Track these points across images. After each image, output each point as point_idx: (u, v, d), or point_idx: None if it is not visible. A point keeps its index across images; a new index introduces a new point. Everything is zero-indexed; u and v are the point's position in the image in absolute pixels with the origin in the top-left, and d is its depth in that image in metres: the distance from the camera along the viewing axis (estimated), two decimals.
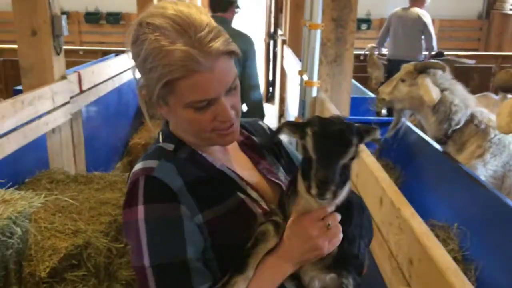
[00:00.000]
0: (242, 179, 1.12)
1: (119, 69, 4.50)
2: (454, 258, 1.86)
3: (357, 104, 3.81)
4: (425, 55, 6.19)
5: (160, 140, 1.13)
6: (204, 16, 1.01)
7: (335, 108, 2.84)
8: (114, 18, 9.53)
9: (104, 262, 2.30)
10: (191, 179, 1.04)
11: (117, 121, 4.64)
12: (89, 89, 3.70)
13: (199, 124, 1.03)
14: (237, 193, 1.09)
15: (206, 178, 1.07)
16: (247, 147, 1.23)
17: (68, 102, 3.28)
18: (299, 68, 3.57)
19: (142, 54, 0.99)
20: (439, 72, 2.71)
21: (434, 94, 2.61)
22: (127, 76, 4.73)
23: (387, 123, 3.31)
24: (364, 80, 6.38)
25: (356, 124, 0.97)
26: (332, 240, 0.99)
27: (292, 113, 4.70)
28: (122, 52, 5.16)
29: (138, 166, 1.06)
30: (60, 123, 3.18)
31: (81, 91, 3.54)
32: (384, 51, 7.03)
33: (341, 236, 0.99)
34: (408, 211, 1.45)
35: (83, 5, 9.51)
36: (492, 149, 2.55)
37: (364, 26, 9.47)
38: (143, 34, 1.00)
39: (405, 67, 2.88)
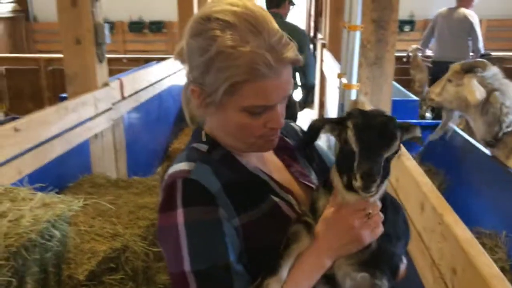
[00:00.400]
0: (276, 182, 1.10)
1: (160, 76, 4.58)
2: (502, 268, 1.75)
3: (399, 107, 3.70)
4: (472, 56, 5.95)
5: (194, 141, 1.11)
6: (271, 18, 0.99)
7: None
8: (157, 26, 9.76)
9: (142, 266, 2.32)
10: (226, 182, 1.02)
11: (157, 126, 4.72)
12: (130, 95, 3.78)
13: (250, 129, 1.01)
14: (271, 196, 1.06)
15: (240, 180, 1.05)
16: (280, 149, 1.20)
17: (110, 109, 3.36)
18: (339, 71, 3.51)
19: (212, 51, 0.95)
20: (489, 72, 2.58)
21: (478, 94, 2.49)
22: (168, 83, 4.81)
23: (431, 126, 3.19)
24: (407, 83, 6.21)
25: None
26: (374, 230, 0.96)
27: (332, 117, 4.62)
28: (164, 59, 5.25)
29: (173, 168, 1.03)
30: (103, 128, 3.26)
31: (123, 98, 3.62)
32: (429, 52, 6.82)
33: (382, 227, 0.96)
34: (451, 217, 1.37)
35: (127, 15, 9.81)
36: None
37: (407, 28, 9.26)
38: (212, 30, 0.96)
39: (453, 67, 2.79)
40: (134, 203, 2.60)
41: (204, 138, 1.09)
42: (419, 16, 9.28)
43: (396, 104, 3.42)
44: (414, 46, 7.07)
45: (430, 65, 6.49)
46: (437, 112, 6.19)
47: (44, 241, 1.61)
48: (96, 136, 3.20)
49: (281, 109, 1.02)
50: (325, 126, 0.97)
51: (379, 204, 0.97)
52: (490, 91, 2.55)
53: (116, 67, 5.79)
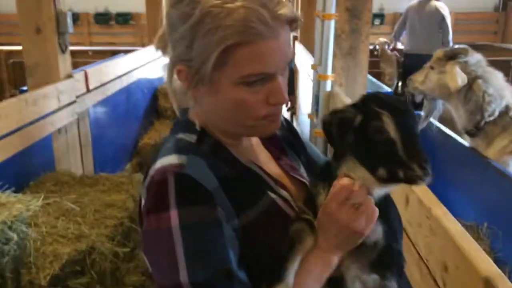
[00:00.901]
0: (270, 176, 0.99)
1: (128, 68, 4.41)
2: None
3: None
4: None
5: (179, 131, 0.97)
6: None
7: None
8: (124, 18, 9.49)
9: (110, 267, 2.18)
10: (222, 177, 0.89)
11: (126, 120, 4.54)
12: (96, 88, 3.60)
13: (249, 107, 0.88)
14: (268, 192, 0.95)
15: (236, 176, 0.92)
16: (268, 140, 1.08)
17: (74, 102, 3.18)
18: (312, 63, 3.43)
19: (197, 14, 0.83)
20: (472, 59, 2.53)
21: (460, 80, 2.43)
22: (137, 75, 4.64)
23: None
24: (377, 76, 6.21)
25: None
26: (368, 217, 0.87)
27: (305, 111, 4.55)
28: (132, 52, 5.06)
29: (161, 162, 0.88)
30: (66, 123, 3.08)
31: (88, 90, 3.44)
32: (400, 45, 6.85)
33: (376, 210, 0.88)
34: (440, 211, 1.30)
35: (92, 6, 9.48)
36: None
37: (377, 21, 9.30)
38: None
39: (436, 54, 2.73)
40: (101, 201, 2.45)
41: (197, 128, 0.96)
42: (389, 10, 9.34)
43: None
44: (382, 39, 7.10)
45: (400, 57, 6.52)
46: (412, 103, 6.21)
47: None
48: (59, 130, 3.02)
49: (283, 82, 0.90)
50: (357, 116, 0.86)
51: (363, 190, 0.87)
52: (473, 79, 2.49)
53: (81, 60, 5.56)
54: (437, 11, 5.86)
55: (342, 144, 0.87)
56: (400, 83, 6.67)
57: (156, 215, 0.84)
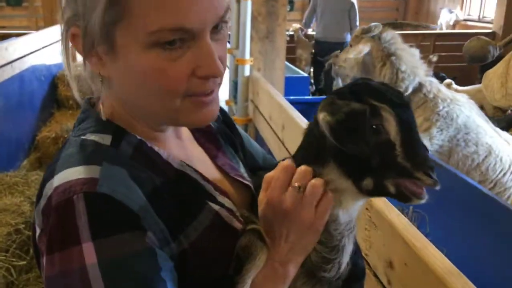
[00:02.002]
0: (209, 181, 0.78)
1: (20, 53, 3.94)
2: None
3: (291, 83, 3.59)
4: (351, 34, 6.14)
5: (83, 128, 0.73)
6: None
7: (272, 87, 2.56)
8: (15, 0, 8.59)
9: (4, 283, 1.87)
10: (151, 190, 0.67)
11: (19, 112, 4.05)
12: None
13: (167, 79, 0.65)
14: (209, 203, 0.75)
15: (168, 185, 0.71)
16: (201, 134, 0.88)
17: None
18: (228, 47, 3.26)
19: None
20: (386, 36, 2.60)
21: (358, 52, 2.50)
22: (31, 61, 4.16)
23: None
24: (291, 61, 6.21)
25: None
26: (319, 204, 0.70)
27: (222, 97, 4.38)
28: (25, 35, 4.53)
29: (62, 178, 0.65)
30: None
31: None
32: (310, 31, 6.92)
33: (329, 195, 0.71)
34: (382, 202, 1.20)
35: None
36: (439, 123, 2.44)
37: (287, 8, 9.33)
38: None
39: (355, 31, 2.81)
40: None
41: (105, 127, 0.72)
42: None
43: (288, 81, 3.29)
44: (296, 25, 7.14)
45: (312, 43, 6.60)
46: (316, 87, 6.33)
47: None
48: None
49: (217, 48, 0.68)
50: (367, 109, 0.66)
51: (307, 171, 0.70)
52: (386, 56, 2.56)
53: None
54: None
55: (364, 146, 0.66)
56: (312, 69, 6.75)
57: (62, 254, 0.61)
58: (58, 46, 4.21)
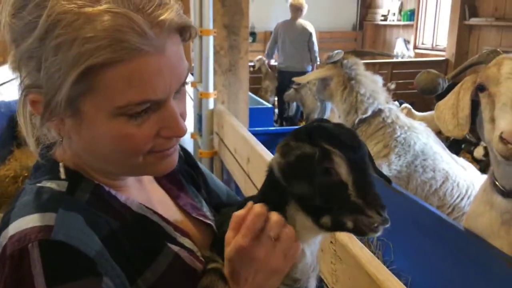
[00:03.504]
0: (169, 222, 0.79)
1: None
2: None
3: (256, 115, 3.64)
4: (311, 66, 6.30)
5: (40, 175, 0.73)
6: None
7: (236, 120, 2.59)
8: None
9: None
10: (106, 235, 0.68)
11: None
12: None
13: (133, 143, 0.68)
14: (168, 245, 0.76)
15: (125, 228, 0.72)
16: (162, 176, 0.89)
17: None
18: (192, 80, 3.29)
19: (42, 24, 0.60)
20: (347, 63, 2.72)
21: (312, 76, 2.67)
22: None
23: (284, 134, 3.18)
24: (254, 91, 6.30)
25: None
26: (287, 253, 0.73)
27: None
28: None
29: (17, 227, 0.65)
30: None
31: None
32: (273, 62, 7.07)
33: (298, 244, 0.74)
34: (345, 235, 1.23)
35: None
36: (397, 149, 2.53)
37: (249, 39, 9.50)
38: None
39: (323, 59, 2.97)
40: None
41: (62, 174, 0.72)
42: (260, 28, 9.63)
43: (252, 112, 3.33)
44: (259, 57, 7.30)
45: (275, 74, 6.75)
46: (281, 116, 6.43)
47: None
48: None
49: (178, 106, 0.71)
50: (316, 153, 0.69)
51: (279, 220, 0.73)
52: (347, 80, 2.69)
53: None
54: (304, 30, 6.18)
55: (310, 188, 0.70)
56: (276, 98, 6.87)
57: None
58: (17, 82, 4.10)
